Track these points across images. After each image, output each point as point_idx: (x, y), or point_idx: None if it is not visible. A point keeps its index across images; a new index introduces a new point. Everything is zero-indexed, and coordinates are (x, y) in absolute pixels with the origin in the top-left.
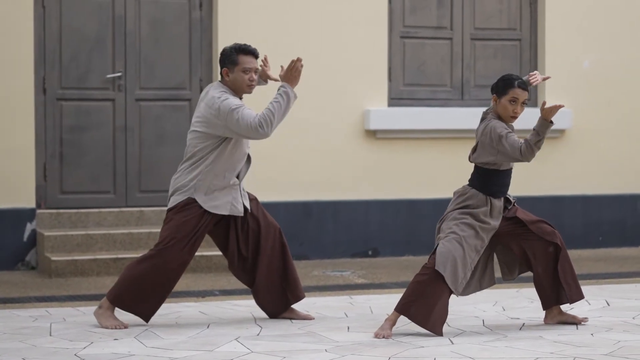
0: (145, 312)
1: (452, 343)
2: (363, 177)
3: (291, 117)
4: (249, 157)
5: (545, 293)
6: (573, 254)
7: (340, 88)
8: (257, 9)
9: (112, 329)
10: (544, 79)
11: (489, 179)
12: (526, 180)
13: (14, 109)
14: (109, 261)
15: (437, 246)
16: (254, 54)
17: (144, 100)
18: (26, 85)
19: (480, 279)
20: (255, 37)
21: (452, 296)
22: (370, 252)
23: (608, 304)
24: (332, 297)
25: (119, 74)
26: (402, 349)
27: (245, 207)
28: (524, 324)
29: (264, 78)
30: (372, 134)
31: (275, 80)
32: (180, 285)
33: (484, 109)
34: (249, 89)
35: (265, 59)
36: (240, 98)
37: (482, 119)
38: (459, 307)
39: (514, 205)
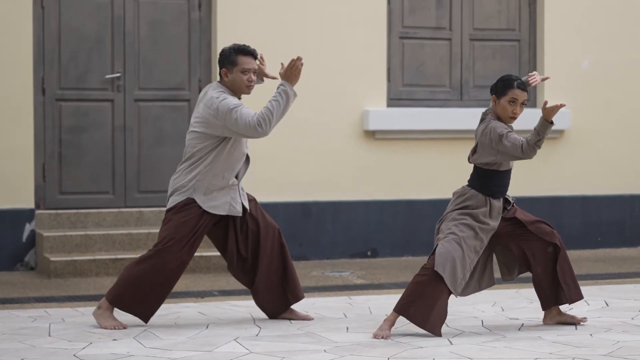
0: (144, 312)
1: (451, 343)
2: (362, 177)
3: (290, 117)
4: (247, 157)
5: (545, 293)
6: (572, 254)
7: (339, 88)
8: (256, 10)
9: (111, 329)
10: (543, 80)
11: (488, 180)
12: (525, 181)
13: (13, 110)
14: (108, 262)
15: (436, 247)
16: (252, 54)
17: (143, 101)
18: (25, 85)
19: (479, 280)
20: (255, 38)
21: (451, 297)
22: (369, 253)
23: (607, 304)
24: (331, 297)
25: (118, 75)
26: (401, 349)
27: (244, 208)
28: (523, 324)
29: (261, 76)
30: (371, 134)
31: (273, 78)
32: (179, 286)
33: (483, 109)
34: (247, 89)
35: (262, 57)
36: (239, 98)
37: (482, 120)
38: (458, 308)
39: (513, 205)
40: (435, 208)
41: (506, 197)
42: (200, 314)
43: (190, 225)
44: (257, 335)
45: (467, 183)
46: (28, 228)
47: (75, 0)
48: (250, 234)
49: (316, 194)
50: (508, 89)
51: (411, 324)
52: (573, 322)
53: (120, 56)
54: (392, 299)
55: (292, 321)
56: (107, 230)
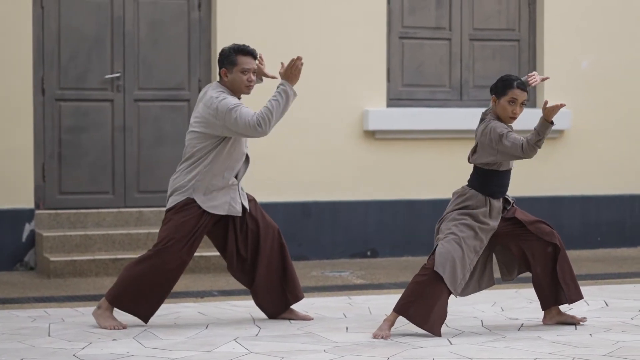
0: (144, 312)
1: (451, 343)
2: (362, 177)
3: (290, 117)
4: (247, 157)
5: (544, 293)
6: (572, 254)
7: (339, 88)
8: (256, 10)
9: (110, 329)
10: (543, 80)
11: (488, 180)
12: (525, 181)
13: (12, 110)
14: (108, 262)
15: (436, 247)
16: (252, 54)
17: (143, 101)
18: (25, 85)
19: (479, 280)
20: (254, 38)
21: (451, 297)
22: (369, 253)
23: (607, 304)
24: (330, 297)
25: (117, 75)
26: (400, 349)
27: (244, 208)
28: (522, 324)
29: (259, 76)
30: (371, 134)
31: (273, 77)
32: (179, 286)
33: (483, 109)
34: (247, 89)
35: (261, 57)
36: (239, 98)
37: (482, 120)
38: (458, 308)
39: (512, 205)
40: (435, 208)
41: (506, 197)
42: (200, 314)
43: (190, 225)
44: (256, 335)
45: (467, 183)
46: (28, 228)
47: (75, 1)
48: (250, 234)
49: (316, 194)
50: (508, 89)
51: (411, 324)
52: (573, 322)
53: (120, 56)
54: (392, 299)
55: (292, 321)
56: (106, 230)
